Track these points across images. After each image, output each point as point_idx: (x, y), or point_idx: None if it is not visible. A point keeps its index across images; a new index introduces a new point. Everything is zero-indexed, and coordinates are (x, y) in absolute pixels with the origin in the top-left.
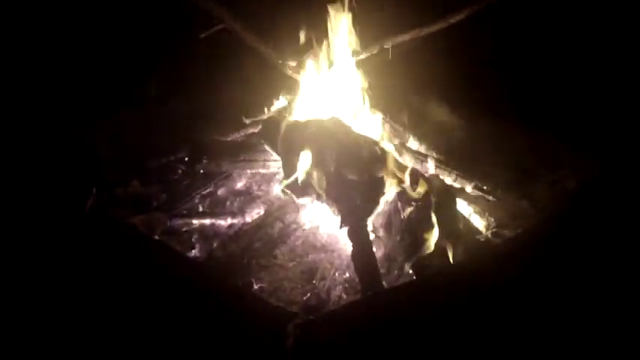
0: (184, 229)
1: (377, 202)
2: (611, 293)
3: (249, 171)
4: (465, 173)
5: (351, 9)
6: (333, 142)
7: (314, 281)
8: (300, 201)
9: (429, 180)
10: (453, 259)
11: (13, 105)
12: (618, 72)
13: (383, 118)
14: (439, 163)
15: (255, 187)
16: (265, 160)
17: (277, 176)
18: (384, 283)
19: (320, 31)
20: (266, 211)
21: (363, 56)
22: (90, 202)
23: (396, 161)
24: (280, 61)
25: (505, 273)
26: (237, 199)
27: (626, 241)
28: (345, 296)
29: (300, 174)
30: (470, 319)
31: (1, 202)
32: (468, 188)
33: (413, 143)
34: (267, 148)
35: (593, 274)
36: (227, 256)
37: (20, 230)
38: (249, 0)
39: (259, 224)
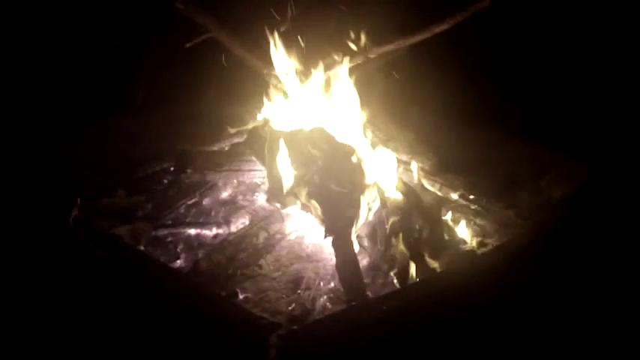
0: (169, 239)
1: (361, 212)
2: (597, 300)
3: (234, 181)
4: (450, 182)
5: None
6: (317, 151)
7: (299, 291)
8: (285, 211)
9: (413, 189)
10: (438, 268)
11: None
12: (603, 80)
13: (368, 128)
14: (424, 172)
15: (240, 197)
16: (250, 170)
17: (262, 186)
18: (368, 292)
19: (304, 41)
20: (251, 221)
21: (348, 65)
22: (74, 212)
23: (381, 170)
24: (265, 71)
25: (490, 282)
26: (223, 209)
27: (612, 247)
28: (330, 306)
29: (284, 184)
30: (455, 329)
31: None
32: (454, 197)
33: (398, 153)
34: (252, 157)
35: (579, 282)
36: (212, 266)
37: (2, 241)
38: (234, 10)
39: (244, 234)
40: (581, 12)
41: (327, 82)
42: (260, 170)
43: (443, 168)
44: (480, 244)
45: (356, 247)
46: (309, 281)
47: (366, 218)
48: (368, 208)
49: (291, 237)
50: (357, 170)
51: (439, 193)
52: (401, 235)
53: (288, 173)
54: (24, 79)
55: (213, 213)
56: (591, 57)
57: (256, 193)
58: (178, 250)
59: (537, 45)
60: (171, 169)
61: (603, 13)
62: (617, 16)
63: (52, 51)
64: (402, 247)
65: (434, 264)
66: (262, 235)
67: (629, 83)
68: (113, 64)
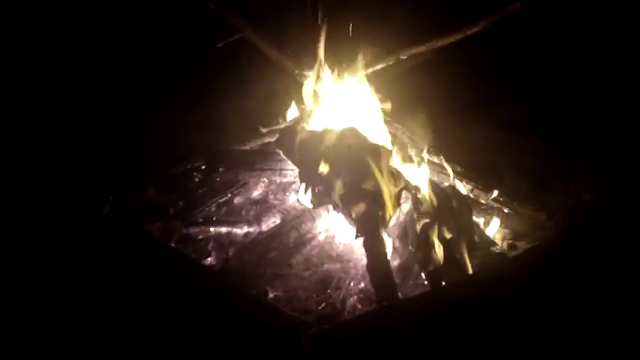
0: (200, 237)
1: (393, 213)
2: (628, 305)
3: (265, 180)
4: (482, 185)
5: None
6: (349, 152)
7: (329, 291)
8: (316, 210)
9: (445, 191)
10: (469, 270)
11: (32, 112)
12: (633, 86)
13: (400, 129)
14: (456, 174)
15: (271, 196)
16: (281, 169)
17: (293, 185)
18: (399, 293)
19: (336, 42)
20: (282, 220)
21: (379, 67)
22: (106, 209)
23: (413, 172)
24: (297, 71)
25: (521, 285)
26: (254, 207)
27: None
28: (359, 306)
29: (316, 183)
30: (485, 332)
31: (18, 208)
32: (485, 199)
33: (430, 154)
34: (283, 157)
35: (610, 287)
36: (242, 265)
37: (37, 236)
38: (266, 10)
39: (275, 233)
40: (614, 17)
41: (359, 83)
42: (291, 169)
43: (475, 170)
44: (511, 247)
45: (387, 248)
46: (340, 281)
47: (397, 219)
48: (399, 208)
49: (322, 237)
50: (389, 170)
51: (471, 195)
52: (432, 236)
53: (319, 173)
54: (62, 78)
55: (244, 212)
56: (622, 65)
57: (287, 193)
58: (209, 248)
59: (569, 50)
60: (203, 167)
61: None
62: None
63: (91, 53)
64: (433, 248)
65: (465, 266)
66: (293, 235)
67: None
68: (146, 65)
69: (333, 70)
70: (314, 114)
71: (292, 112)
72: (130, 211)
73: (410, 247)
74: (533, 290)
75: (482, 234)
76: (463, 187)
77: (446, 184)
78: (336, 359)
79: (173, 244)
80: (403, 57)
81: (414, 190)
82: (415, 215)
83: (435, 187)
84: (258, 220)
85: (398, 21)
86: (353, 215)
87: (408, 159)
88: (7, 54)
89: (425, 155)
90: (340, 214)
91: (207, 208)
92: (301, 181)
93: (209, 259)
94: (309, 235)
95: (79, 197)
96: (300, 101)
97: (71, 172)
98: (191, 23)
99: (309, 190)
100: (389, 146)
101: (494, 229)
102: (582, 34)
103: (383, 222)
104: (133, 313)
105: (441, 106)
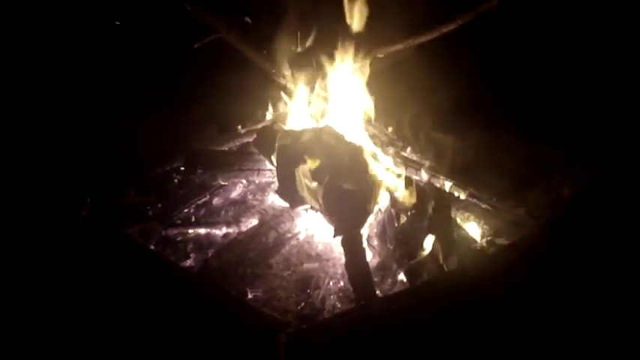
0: (179, 238)
1: (371, 211)
2: (607, 301)
3: (244, 180)
4: (459, 181)
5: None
6: (326, 151)
7: (308, 290)
8: (295, 210)
9: (423, 188)
10: (447, 267)
11: (10, 112)
12: (613, 80)
13: (378, 127)
14: (433, 171)
15: (250, 197)
16: (260, 170)
17: (272, 185)
18: (377, 291)
19: (314, 40)
20: (261, 221)
21: (357, 65)
22: (84, 211)
23: (391, 170)
24: (274, 71)
25: (500, 281)
26: (232, 208)
27: (621, 247)
28: (339, 305)
29: (294, 183)
30: (463, 328)
31: None
32: (463, 196)
33: (407, 152)
34: (261, 157)
35: (590, 282)
36: (222, 266)
37: (13, 240)
38: (243, 10)
39: (254, 233)
40: (592, 11)
41: (335, 82)
42: (270, 170)
43: (453, 167)
44: (490, 244)
45: (365, 246)
46: (319, 280)
47: (376, 217)
48: (377, 207)
49: (301, 236)
50: (366, 169)
51: (449, 193)
52: (410, 234)
53: (297, 173)
54: (41, 78)
55: (223, 212)
56: (601, 57)
57: (266, 193)
58: (188, 249)
59: (546, 45)
60: (182, 168)
61: (615, 11)
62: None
63: (67, 53)
64: (411, 246)
65: (443, 263)
66: (272, 235)
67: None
68: (124, 66)
69: (311, 69)
70: (292, 113)
71: (270, 112)
72: (108, 213)
73: (388, 245)
74: (511, 287)
75: (461, 231)
76: (441, 184)
77: (424, 181)
78: (315, 359)
79: (152, 247)
80: (380, 55)
81: (392, 188)
82: (393, 213)
83: (413, 184)
84: (237, 221)
85: (374, 19)
86: (331, 214)
87: (386, 157)
88: None
89: (403, 153)
90: (319, 214)
91: (186, 210)
92: (279, 182)
93: (188, 260)
94: (288, 235)
95: (56, 199)
96: (277, 101)
97: (49, 174)
98: (168, 24)
99: (288, 190)
100: (366, 144)
101: (472, 226)
102: (560, 28)
103: (361, 220)
104: (113, 315)
105: (419, 104)
